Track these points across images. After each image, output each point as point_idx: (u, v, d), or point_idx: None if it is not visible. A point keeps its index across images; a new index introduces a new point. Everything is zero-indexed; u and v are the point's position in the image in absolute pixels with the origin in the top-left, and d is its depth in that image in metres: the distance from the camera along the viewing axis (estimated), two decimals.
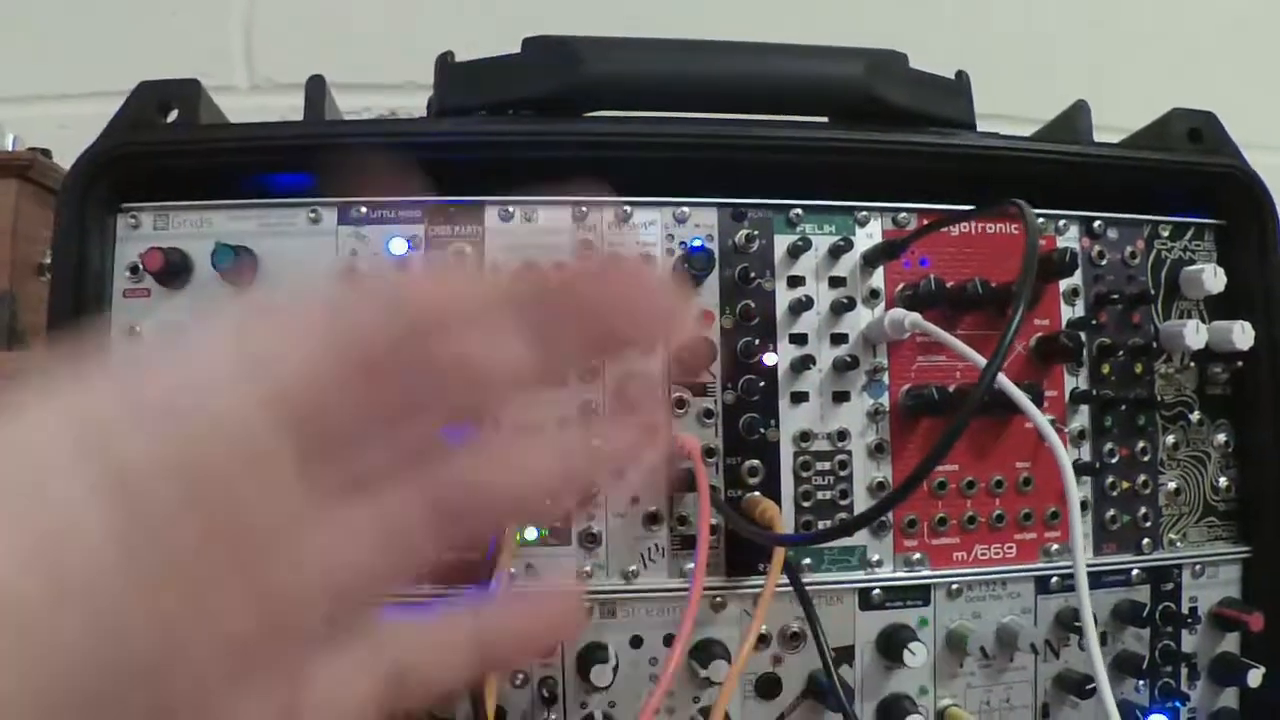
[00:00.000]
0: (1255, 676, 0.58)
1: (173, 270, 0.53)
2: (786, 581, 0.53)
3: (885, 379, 0.56)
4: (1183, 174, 0.61)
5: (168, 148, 0.56)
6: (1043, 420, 0.48)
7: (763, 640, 0.54)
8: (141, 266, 0.53)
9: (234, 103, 0.63)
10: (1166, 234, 0.61)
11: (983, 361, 0.50)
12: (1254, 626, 0.58)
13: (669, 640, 0.54)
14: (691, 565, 0.54)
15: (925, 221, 0.57)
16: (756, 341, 0.54)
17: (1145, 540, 0.59)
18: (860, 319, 0.56)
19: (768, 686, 0.54)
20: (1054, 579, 0.57)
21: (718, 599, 0.54)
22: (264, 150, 0.55)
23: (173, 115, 0.56)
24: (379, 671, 0.25)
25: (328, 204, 0.54)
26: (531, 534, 0.53)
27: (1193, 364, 0.60)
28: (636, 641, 0.54)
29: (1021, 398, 0.48)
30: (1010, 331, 0.43)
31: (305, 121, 0.58)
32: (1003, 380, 0.49)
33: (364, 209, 0.54)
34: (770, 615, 0.54)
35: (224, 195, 0.54)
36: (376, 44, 0.94)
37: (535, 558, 0.53)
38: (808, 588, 0.54)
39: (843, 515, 0.55)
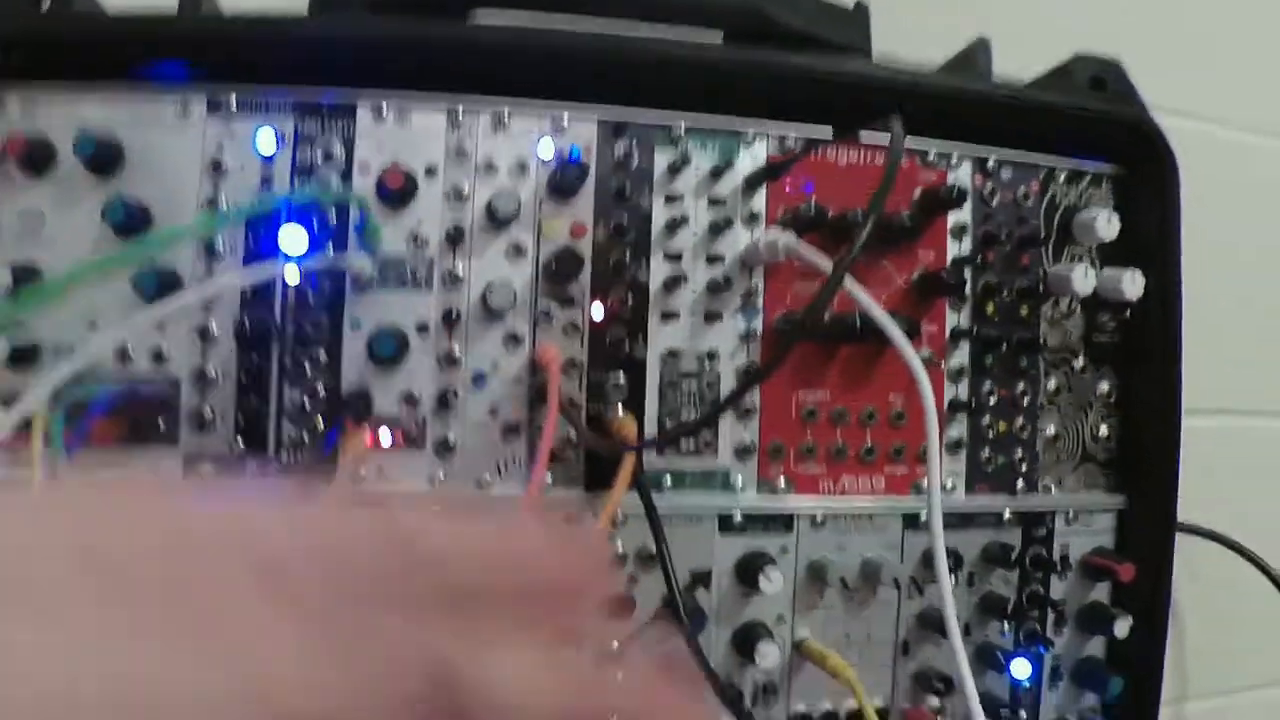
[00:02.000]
0: (1122, 626, 0.53)
1: (35, 157, 0.47)
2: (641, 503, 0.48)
3: (759, 303, 0.50)
4: (1084, 119, 0.55)
5: (39, 34, 0.50)
6: (902, 339, 0.43)
7: (618, 559, 0.49)
8: (3, 152, 0.47)
9: None
10: (1063, 178, 0.55)
11: (865, 298, 0.44)
12: (1124, 577, 0.53)
13: None
14: (549, 478, 0.48)
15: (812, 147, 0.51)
16: (628, 257, 0.49)
17: (1020, 483, 0.54)
18: (738, 241, 0.50)
19: (620, 607, 0.49)
20: (923, 515, 0.52)
21: (573, 513, 0.49)
22: (138, 40, 0.49)
23: (47, 2, 0.50)
24: None
25: (196, 94, 0.48)
26: (385, 438, 0.48)
27: (1080, 310, 0.55)
28: None
29: (881, 315, 0.43)
30: (858, 244, 0.38)
31: (181, 13, 0.52)
32: (866, 300, 0.43)
33: (233, 102, 0.48)
34: (628, 535, 0.49)
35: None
36: None
37: (386, 461, 0.48)
38: (666, 511, 0.48)
39: (707, 438, 0.50)
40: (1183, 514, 0.56)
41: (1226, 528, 0.69)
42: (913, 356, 0.43)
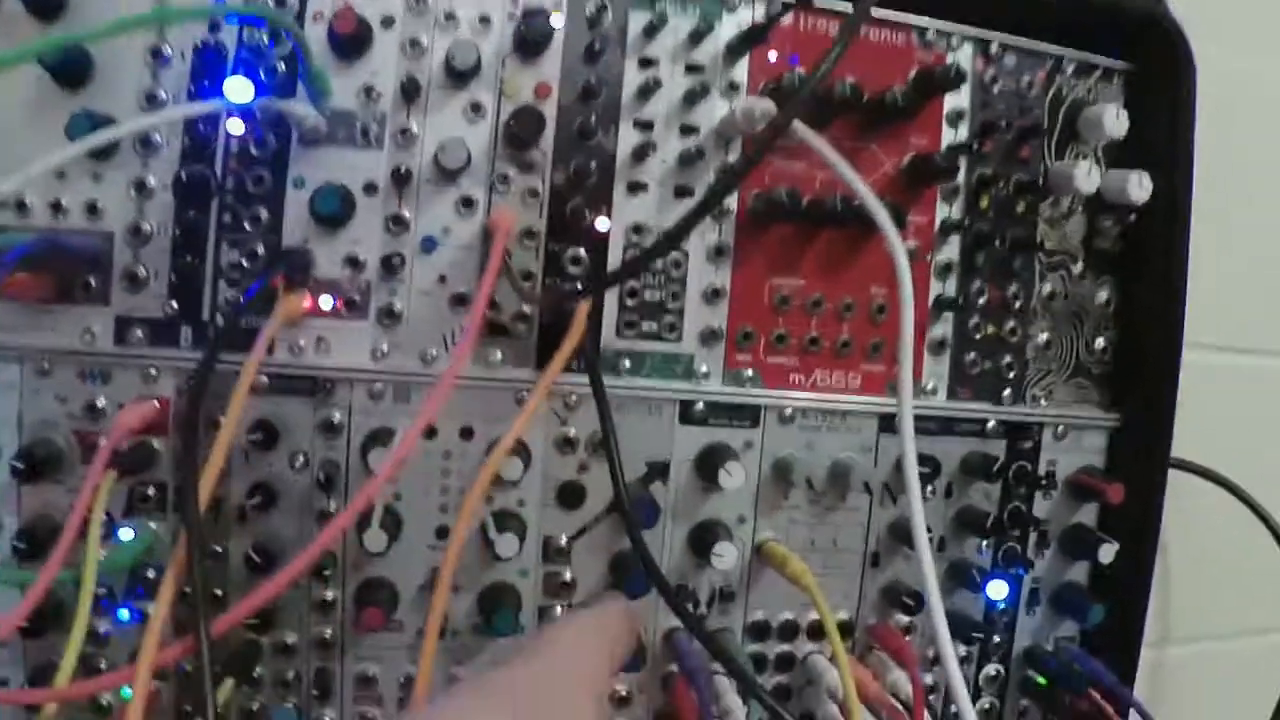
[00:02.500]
0: (1108, 552, 0.49)
1: None
2: (608, 385, 0.44)
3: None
4: (1097, 8, 0.50)
5: None
6: (883, 214, 0.38)
7: (569, 444, 0.45)
8: None
9: None
10: (1070, 70, 0.50)
11: (839, 162, 0.39)
12: (1113, 498, 0.49)
13: (468, 434, 0.45)
14: (499, 354, 0.44)
15: (801, 16, 0.46)
16: (595, 121, 0.44)
17: (1006, 391, 0.49)
18: (715, 112, 0.46)
19: (571, 495, 0.45)
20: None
21: (523, 394, 0.45)
22: None
23: None
24: None
25: None
26: (326, 302, 0.44)
27: (1081, 211, 0.50)
28: (431, 432, 0.44)
29: (863, 188, 0.38)
30: (813, 78, 0.33)
31: None
32: (846, 171, 0.38)
33: None
34: (581, 420, 0.45)
35: None
36: None
37: (327, 331, 0.44)
38: (624, 396, 0.44)
39: (671, 320, 0.45)
40: (1177, 449, 0.51)
41: (1222, 469, 0.64)
42: (893, 234, 0.38)
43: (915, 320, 0.48)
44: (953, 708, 0.51)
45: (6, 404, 0.44)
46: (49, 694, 0.41)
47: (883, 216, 0.37)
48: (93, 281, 0.44)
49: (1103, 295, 0.51)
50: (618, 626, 0.36)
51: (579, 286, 0.44)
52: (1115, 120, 0.48)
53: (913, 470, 0.36)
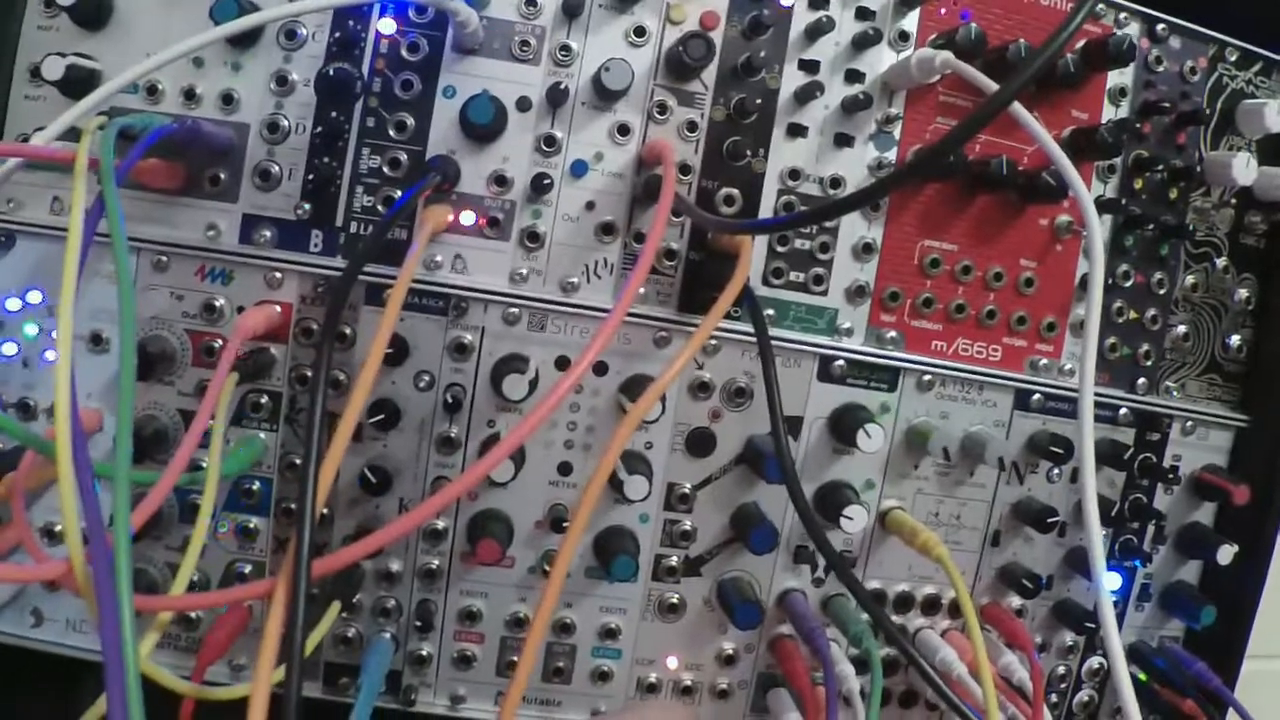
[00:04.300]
0: (1226, 553, 0.48)
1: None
2: (748, 331, 0.42)
3: (897, 132, 0.44)
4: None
5: None
6: (1076, 178, 0.36)
7: (704, 389, 0.43)
8: None
9: None
10: (1234, 59, 0.49)
11: (1044, 136, 0.37)
12: (1238, 499, 0.48)
13: (601, 369, 0.43)
14: (642, 290, 0.43)
15: None
16: (762, 57, 0.42)
17: (1141, 380, 0.48)
18: (882, 59, 0.44)
19: (700, 443, 0.44)
20: (1036, 396, 0.46)
21: (662, 334, 0.43)
22: None
23: None
24: None
25: None
26: (468, 218, 0.42)
27: (1233, 204, 0.49)
28: (562, 362, 0.43)
29: (1056, 150, 0.36)
30: (1033, 67, 0.31)
31: None
32: (1038, 129, 0.37)
33: None
34: (718, 365, 0.43)
35: None
36: None
37: (466, 249, 0.42)
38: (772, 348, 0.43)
39: (819, 271, 0.44)
40: None
41: None
42: (1087, 200, 0.36)
43: (1061, 297, 0.47)
44: (1052, 696, 0.50)
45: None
46: (196, 599, 0.39)
47: (1075, 178, 0.36)
48: (223, 175, 0.42)
49: (1243, 293, 0.49)
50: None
51: (753, 223, 0.42)
52: (1277, 114, 0.47)
53: (1089, 462, 0.33)
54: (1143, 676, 0.49)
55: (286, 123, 0.42)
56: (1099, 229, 0.33)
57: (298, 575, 0.29)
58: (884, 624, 0.38)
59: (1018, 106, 0.35)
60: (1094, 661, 0.49)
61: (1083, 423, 0.33)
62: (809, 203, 0.43)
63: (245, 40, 0.42)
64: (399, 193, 0.42)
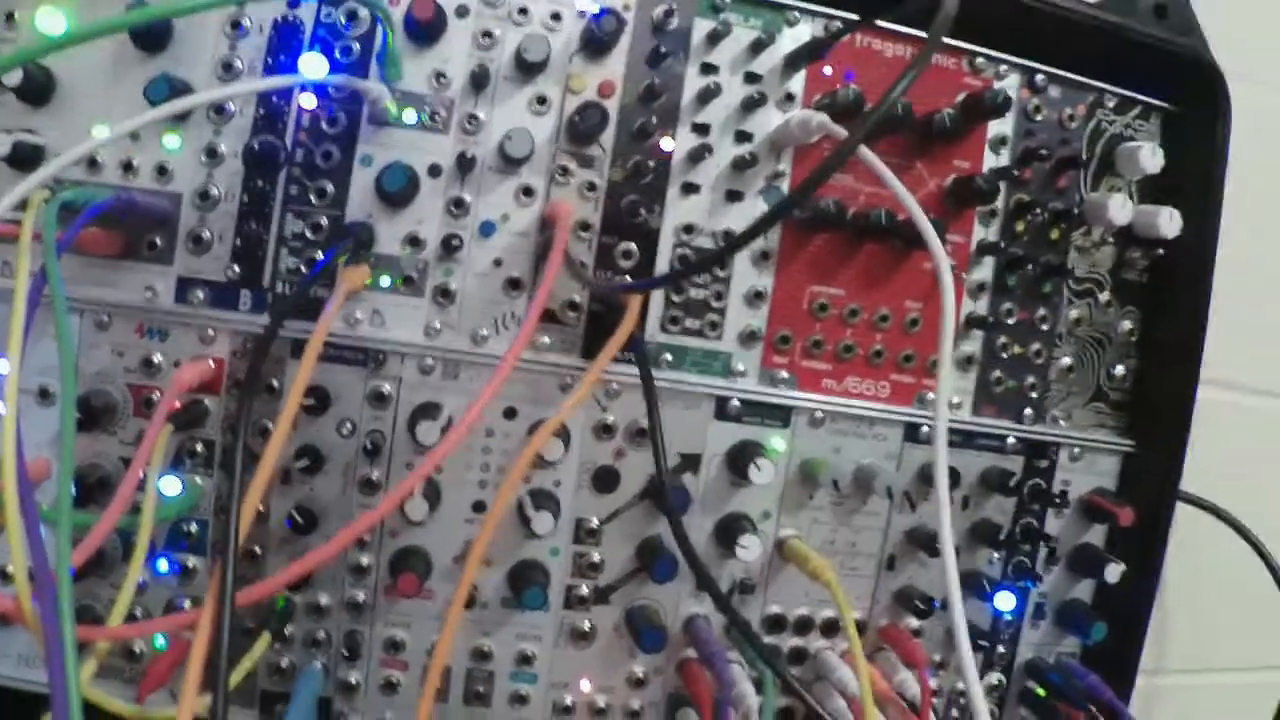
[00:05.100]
0: (1114, 572, 0.51)
1: None
2: (639, 374, 0.45)
3: (784, 186, 0.47)
4: (1141, 46, 0.51)
5: None
6: (929, 229, 0.39)
7: (607, 430, 0.47)
8: None
9: None
10: (1112, 105, 0.52)
11: (889, 177, 0.40)
12: (1123, 520, 0.51)
13: (511, 414, 0.46)
14: (546, 339, 0.46)
15: (858, 33, 0.48)
16: (655, 122, 0.46)
17: (1028, 410, 0.51)
18: (770, 120, 0.47)
19: (605, 480, 0.47)
20: (924, 429, 0.49)
21: (567, 380, 0.46)
22: None
23: None
24: None
25: None
26: (385, 281, 0.45)
27: (1112, 242, 0.52)
28: None
29: (910, 201, 0.39)
30: (879, 110, 0.34)
31: None
32: (907, 198, 0.39)
33: None
34: (621, 407, 0.47)
35: None
36: None
37: (384, 306, 0.45)
38: (663, 388, 0.46)
39: (714, 318, 0.47)
40: (1184, 483, 0.53)
41: (1228, 507, 0.66)
42: (941, 254, 0.39)
43: None
44: (953, 712, 0.52)
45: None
46: (131, 629, 0.42)
47: (932, 237, 0.38)
48: (159, 241, 0.45)
49: (1126, 325, 0.52)
50: None
51: (628, 279, 0.45)
52: (1152, 156, 0.50)
53: (943, 481, 0.36)
54: (1040, 691, 0.52)
55: (216, 191, 0.45)
56: (947, 267, 0.36)
57: (222, 599, 0.32)
58: (763, 654, 0.41)
59: (866, 153, 0.38)
60: (992, 678, 0.52)
61: (938, 456, 0.36)
62: (703, 255, 0.47)
63: (178, 115, 0.45)
64: (321, 255, 0.45)
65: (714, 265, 0.44)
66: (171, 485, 0.46)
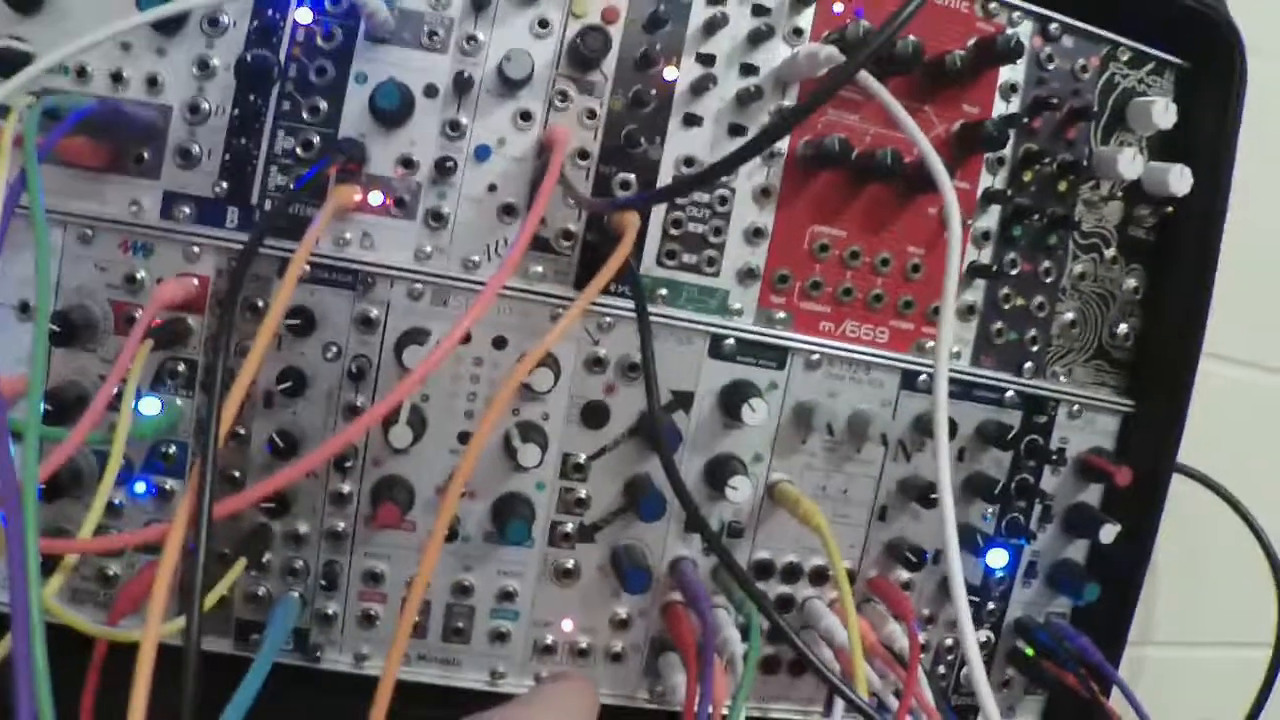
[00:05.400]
0: (1109, 532, 0.50)
1: None
2: (633, 308, 0.44)
3: None
4: (1159, 1, 0.50)
5: None
6: (941, 170, 0.38)
7: (598, 364, 0.46)
8: None
9: None
10: (1125, 59, 0.51)
11: (896, 108, 0.39)
12: (1120, 481, 0.50)
13: (501, 343, 0.45)
14: (539, 269, 0.45)
15: None
16: (659, 50, 0.45)
17: (1028, 364, 0.50)
18: (776, 55, 0.46)
19: (595, 415, 0.46)
20: (922, 377, 0.48)
21: (559, 310, 0.45)
22: None
23: None
24: None
25: None
26: (376, 198, 0.44)
27: (1120, 197, 0.51)
28: (464, 338, 0.45)
29: (924, 141, 0.38)
30: (880, 38, 0.33)
31: None
32: (913, 129, 0.38)
33: None
34: (613, 341, 0.46)
35: None
36: None
37: (374, 227, 0.44)
38: (657, 323, 0.45)
39: (711, 254, 0.46)
40: (1180, 455, 0.52)
41: (1222, 481, 0.65)
42: (949, 192, 0.37)
43: None
44: (940, 667, 0.52)
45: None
46: (98, 543, 0.41)
47: (941, 172, 0.37)
48: (146, 154, 0.44)
49: (1131, 283, 0.51)
50: (591, 696, 0.38)
51: (629, 199, 0.44)
52: (1164, 112, 0.49)
53: (943, 432, 0.35)
54: (1029, 650, 0.51)
55: (207, 105, 0.44)
56: (956, 208, 0.35)
57: (200, 510, 0.31)
58: (754, 594, 0.40)
59: (869, 79, 0.36)
60: (980, 635, 0.51)
61: (938, 403, 0.35)
62: (705, 168, 0.45)
63: (170, 26, 0.44)
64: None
65: (719, 176, 0.42)
66: (151, 405, 0.45)
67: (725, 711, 0.41)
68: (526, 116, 0.44)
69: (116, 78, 0.44)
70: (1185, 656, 0.71)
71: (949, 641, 0.51)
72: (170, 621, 0.35)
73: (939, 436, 0.33)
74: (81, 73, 0.44)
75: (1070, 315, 0.50)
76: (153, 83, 0.44)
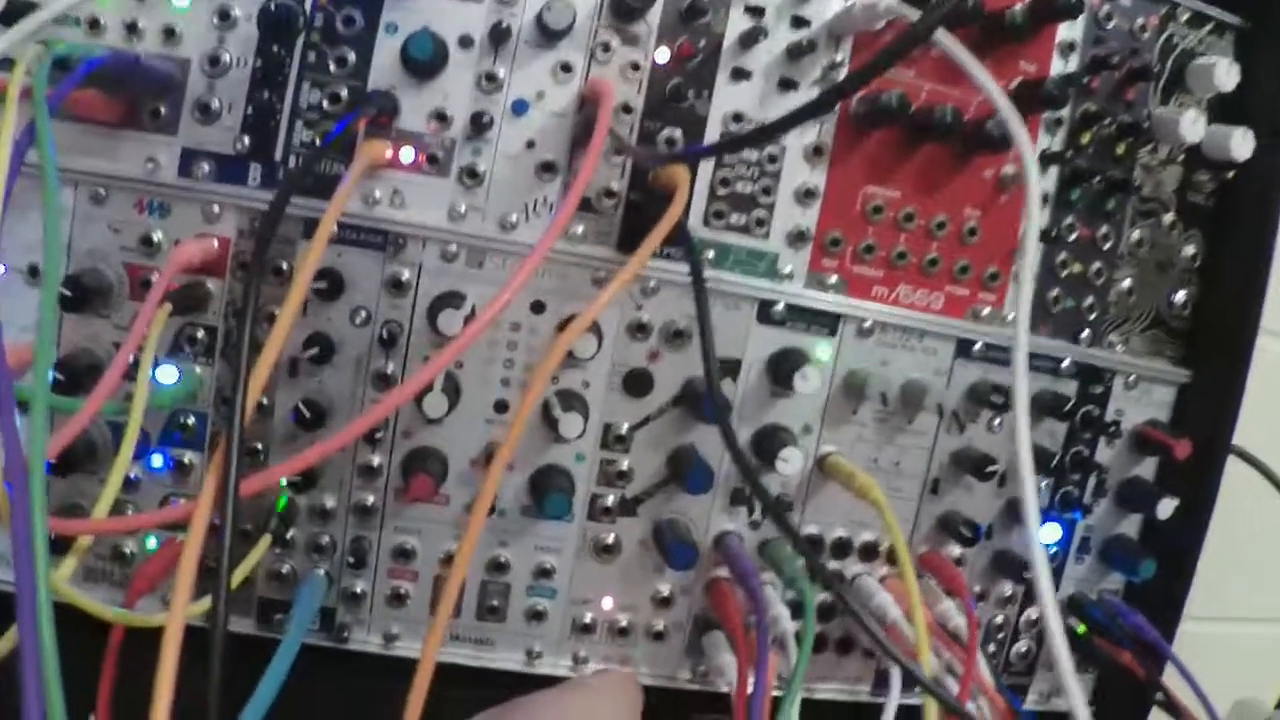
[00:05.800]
0: (1167, 507, 0.48)
1: None
2: (685, 271, 0.42)
3: (841, 77, 0.44)
4: None
5: None
6: (1019, 125, 0.35)
7: (642, 330, 0.43)
8: None
9: None
10: (1185, 19, 0.48)
11: (973, 64, 0.36)
12: (1179, 454, 0.48)
13: (539, 308, 0.43)
14: (580, 229, 0.42)
15: None
16: (707, 0, 0.42)
17: (1085, 333, 0.48)
18: (829, 6, 0.44)
19: (638, 383, 0.44)
20: (978, 345, 0.46)
21: (600, 273, 0.43)
22: None
23: None
24: None
25: None
26: (407, 155, 0.42)
27: (1180, 161, 0.49)
28: None
29: (1000, 96, 0.35)
30: None
31: None
32: (992, 87, 0.36)
33: None
34: (658, 306, 0.43)
35: None
36: None
37: (406, 185, 0.42)
38: (706, 284, 0.42)
39: (760, 215, 0.44)
40: None
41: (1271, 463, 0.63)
42: (1028, 151, 0.35)
43: (1004, 247, 0.47)
44: (990, 645, 0.50)
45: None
46: (114, 523, 0.38)
47: (1021, 131, 0.34)
48: (163, 109, 0.41)
49: (1189, 250, 0.49)
50: (635, 688, 0.38)
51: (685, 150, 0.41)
52: (1226, 73, 0.47)
53: (1024, 407, 0.32)
54: (1081, 628, 0.49)
55: (228, 57, 0.41)
56: (1036, 175, 0.33)
57: (226, 488, 0.29)
58: (816, 566, 0.38)
59: (946, 36, 0.34)
60: (1032, 612, 0.49)
61: (1017, 374, 0.33)
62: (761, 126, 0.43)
63: None
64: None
65: (785, 131, 0.39)
66: (168, 373, 0.43)
67: (776, 694, 0.39)
68: (567, 69, 0.42)
69: (131, 28, 0.41)
70: (1220, 632, 0.69)
71: (999, 619, 0.49)
72: (194, 603, 0.33)
73: (1019, 413, 0.30)
74: (94, 24, 0.41)
75: (1128, 283, 0.48)
76: (170, 34, 0.41)
